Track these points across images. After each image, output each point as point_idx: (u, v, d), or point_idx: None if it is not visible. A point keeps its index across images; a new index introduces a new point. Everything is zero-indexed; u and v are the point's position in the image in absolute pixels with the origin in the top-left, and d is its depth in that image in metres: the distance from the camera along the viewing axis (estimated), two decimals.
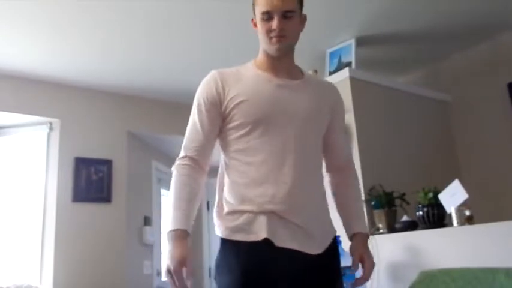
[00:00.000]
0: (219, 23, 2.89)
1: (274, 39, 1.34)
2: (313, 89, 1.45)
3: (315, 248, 1.33)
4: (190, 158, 1.38)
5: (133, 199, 3.96)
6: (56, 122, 3.71)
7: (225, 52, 3.24)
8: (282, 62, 1.42)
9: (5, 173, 3.72)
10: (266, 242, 1.27)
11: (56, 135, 3.69)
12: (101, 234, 3.60)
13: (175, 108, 4.19)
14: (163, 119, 4.19)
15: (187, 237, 1.29)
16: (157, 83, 3.84)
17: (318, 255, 1.33)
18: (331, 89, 1.54)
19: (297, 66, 1.49)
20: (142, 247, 4.10)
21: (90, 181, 3.68)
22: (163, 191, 4.77)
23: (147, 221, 4.19)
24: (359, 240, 1.44)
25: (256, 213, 1.29)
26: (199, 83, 1.45)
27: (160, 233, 4.51)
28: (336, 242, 1.45)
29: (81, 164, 3.67)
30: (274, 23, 1.32)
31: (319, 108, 1.42)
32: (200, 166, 1.40)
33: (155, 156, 4.58)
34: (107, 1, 2.63)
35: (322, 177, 1.47)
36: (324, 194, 1.46)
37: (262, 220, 1.28)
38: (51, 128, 3.71)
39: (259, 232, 1.28)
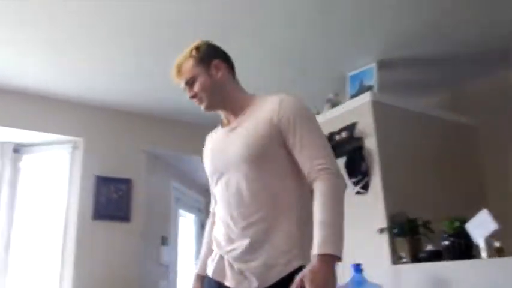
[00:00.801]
0: (242, 42, 2.91)
1: (196, 103, 1.53)
2: (252, 119, 1.43)
3: (250, 285, 1.35)
4: (211, 213, 1.65)
5: (151, 218, 3.96)
6: (79, 141, 3.76)
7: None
8: (227, 110, 1.53)
9: (31, 189, 3.79)
10: (213, 278, 1.45)
11: (79, 154, 3.74)
12: (119, 253, 3.61)
13: (195, 128, 4.19)
14: (183, 139, 4.20)
15: (199, 278, 1.58)
16: (177, 104, 3.85)
17: None
18: (272, 106, 1.41)
19: (246, 101, 1.50)
20: (159, 267, 4.08)
21: (110, 200, 3.70)
22: (181, 211, 4.75)
23: (164, 241, 4.17)
24: (311, 262, 1.23)
25: (216, 253, 1.48)
26: None
27: (177, 253, 4.48)
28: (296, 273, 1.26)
29: (102, 183, 3.70)
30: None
31: (255, 138, 1.38)
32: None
33: (174, 176, 4.59)
34: (124, 22, 2.68)
35: (280, 207, 1.37)
36: (278, 227, 1.35)
37: (215, 260, 1.46)
38: (74, 147, 3.77)
39: (210, 269, 1.47)
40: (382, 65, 3.12)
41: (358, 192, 2.86)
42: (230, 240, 1.40)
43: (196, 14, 2.59)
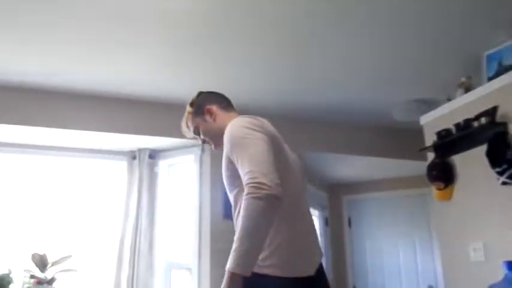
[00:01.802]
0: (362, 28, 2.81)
1: (209, 146, 1.88)
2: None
3: None
4: None
5: None
6: (206, 144, 3.96)
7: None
8: None
9: (167, 192, 4.14)
10: None
11: (207, 157, 3.97)
12: None
13: (315, 126, 4.19)
14: (305, 136, 4.21)
15: None
16: (301, 103, 3.89)
17: None
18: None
19: None
20: None
21: None
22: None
23: None
24: None
25: None
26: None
27: None
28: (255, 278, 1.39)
29: None
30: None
31: (223, 170, 1.59)
32: None
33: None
34: (248, 28, 2.74)
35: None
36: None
37: None
38: (202, 150, 4.01)
39: None
40: None
41: (504, 183, 2.58)
42: None
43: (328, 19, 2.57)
